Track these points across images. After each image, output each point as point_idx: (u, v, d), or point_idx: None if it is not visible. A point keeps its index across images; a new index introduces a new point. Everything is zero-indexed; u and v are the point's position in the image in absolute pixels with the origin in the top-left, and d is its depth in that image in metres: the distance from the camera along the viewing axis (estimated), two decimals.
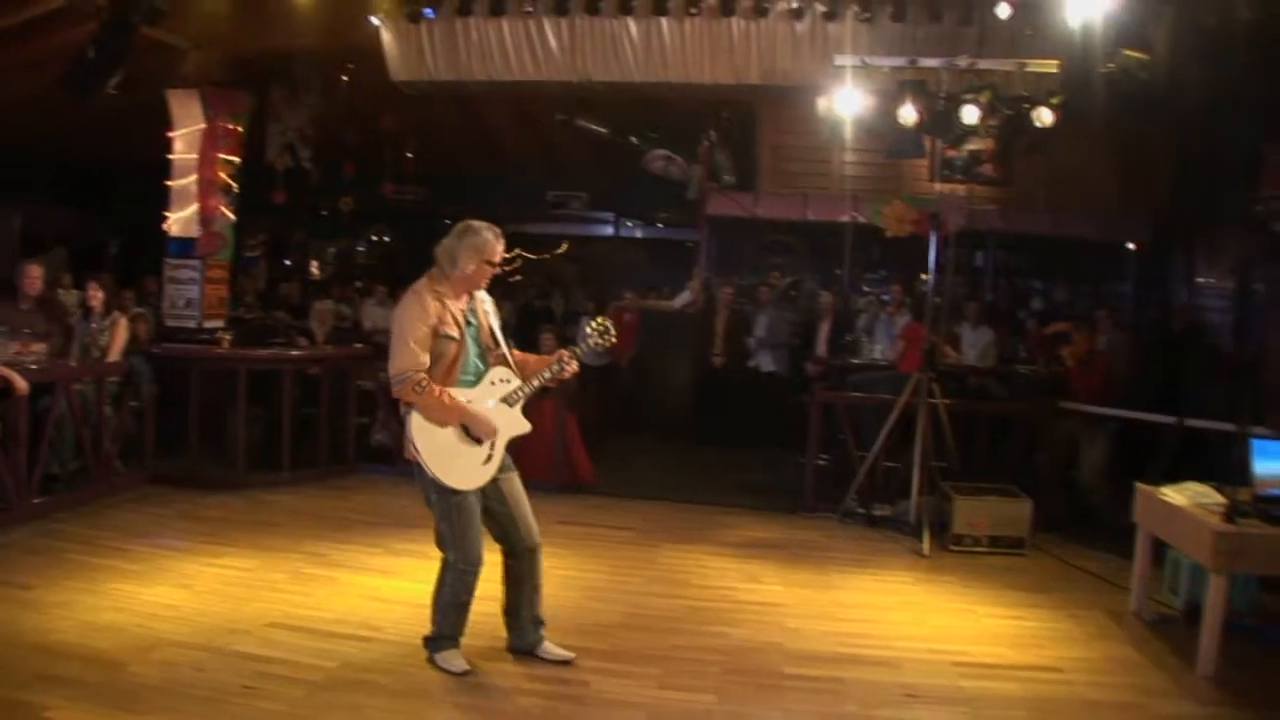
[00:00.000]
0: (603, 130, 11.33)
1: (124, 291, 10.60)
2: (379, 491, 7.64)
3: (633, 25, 7.59)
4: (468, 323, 4.26)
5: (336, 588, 5.39)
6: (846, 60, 7.06)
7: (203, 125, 9.24)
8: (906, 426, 7.21)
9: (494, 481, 4.29)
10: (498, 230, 4.27)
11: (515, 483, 4.42)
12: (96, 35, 8.05)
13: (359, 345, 9.07)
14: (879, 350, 9.43)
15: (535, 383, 4.38)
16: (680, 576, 5.92)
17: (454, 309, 4.18)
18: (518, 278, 15.86)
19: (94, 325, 7.25)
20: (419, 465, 4.16)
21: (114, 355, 7.20)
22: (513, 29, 7.72)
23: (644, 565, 6.12)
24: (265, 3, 8.72)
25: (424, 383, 4.10)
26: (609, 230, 15.42)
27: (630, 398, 10.89)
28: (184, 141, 9.35)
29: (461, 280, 4.22)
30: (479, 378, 4.29)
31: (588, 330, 4.56)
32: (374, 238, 15.64)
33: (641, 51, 7.62)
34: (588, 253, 16.06)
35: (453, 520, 4.22)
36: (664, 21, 7.56)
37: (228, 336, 8.34)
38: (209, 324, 9.51)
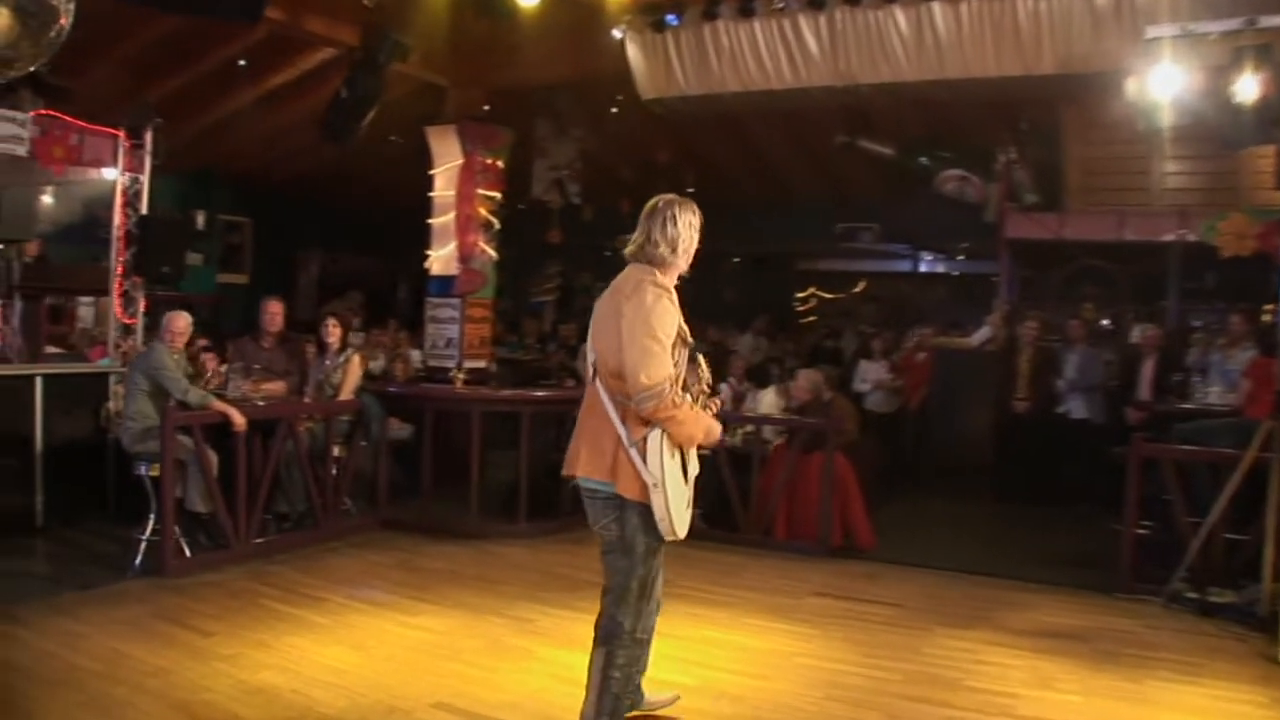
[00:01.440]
0: (888, 151, 10.18)
1: (401, 332, 10.79)
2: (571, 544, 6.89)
3: (900, 16, 6.48)
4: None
5: (528, 664, 4.63)
6: (1162, 30, 5.56)
7: (460, 161, 9.10)
8: (1254, 488, 5.53)
9: None
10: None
11: None
12: (348, 76, 8.10)
13: None
14: (1215, 393, 7.64)
15: None
16: (949, 674, 4.67)
17: (679, 318, 3.41)
18: (811, 318, 14.89)
19: (328, 363, 7.07)
20: (634, 506, 3.35)
21: (345, 394, 6.96)
22: (765, 31, 6.86)
23: (907, 656, 4.93)
24: (515, 35, 8.49)
25: (678, 397, 3.29)
26: (904, 265, 14.10)
27: (919, 446, 9.63)
28: (443, 178, 9.22)
29: (675, 272, 3.47)
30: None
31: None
32: None
33: (913, 46, 6.49)
34: (881, 289, 14.82)
35: (647, 578, 3.45)
36: (936, 8, 6.35)
37: (461, 376, 7.95)
38: (470, 364, 9.30)
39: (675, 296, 3.39)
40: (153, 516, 5.83)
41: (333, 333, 7.06)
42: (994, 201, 9.58)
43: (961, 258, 12.95)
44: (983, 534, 7.76)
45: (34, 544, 6.56)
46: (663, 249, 3.42)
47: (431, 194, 9.25)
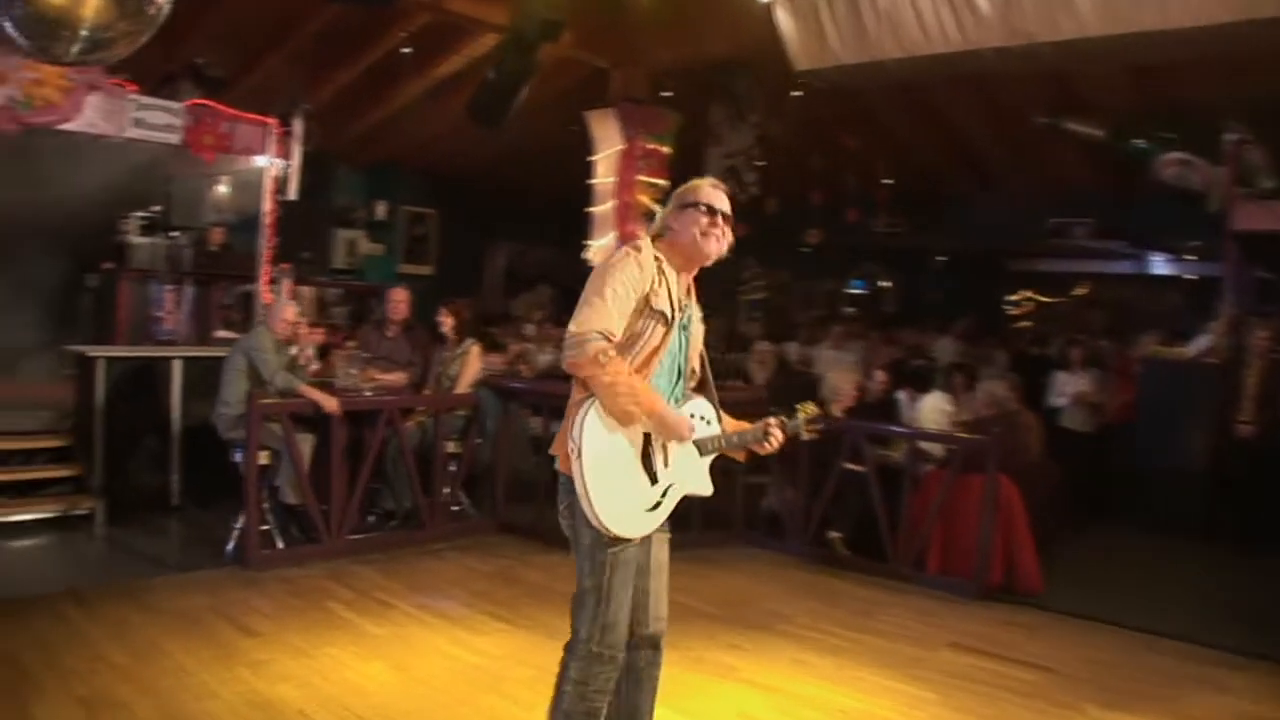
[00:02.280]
0: (1098, 133, 8.81)
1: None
2: (748, 572, 6.20)
3: None
4: (685, 316, 3.04)
5: None
6: None
7: (621, 146, 8.63)
8: None
9: (647, 539, 3.03)
10: (713, 181, 3.10)
11: (665, 549, 3.14)
12: (495, 58, 7.79)
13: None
14: None
15: (731, 441, 3.11)
16: None
17: (674, 283, 2.98)
18: (1025, 323, 13.45)
19: (446, 354, 6.75)
20: (573, 483, 2.85)
21: (462, 386, 6.61)
22: None
23: None
24: (678, 10, 7.92)
25: (609, 353, 2.79)
26: (1128, 266, 12.42)
27: (1114, 472, 8.25)
28: (604, 165, 8.79)
29: (683, 249, 3.01)
30: (674, 399, 3.04)
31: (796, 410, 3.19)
32: (865, 278, 14.18)
33: None
34: (1102, 293, 13.16)
35: (604, 580, 2.88)
36: None
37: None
38: None
39: (664, 268, 2.95)
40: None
41: (445, 322, 6.72)
42: (1219, 188, 8.04)
43: (1193, 258, 11.18)
44: (1180, 585, 6.45)
45: (163, 523, 6.65)
46: (660, 229, 3.09)
47: (592, 181, 8.88)
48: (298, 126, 7.77)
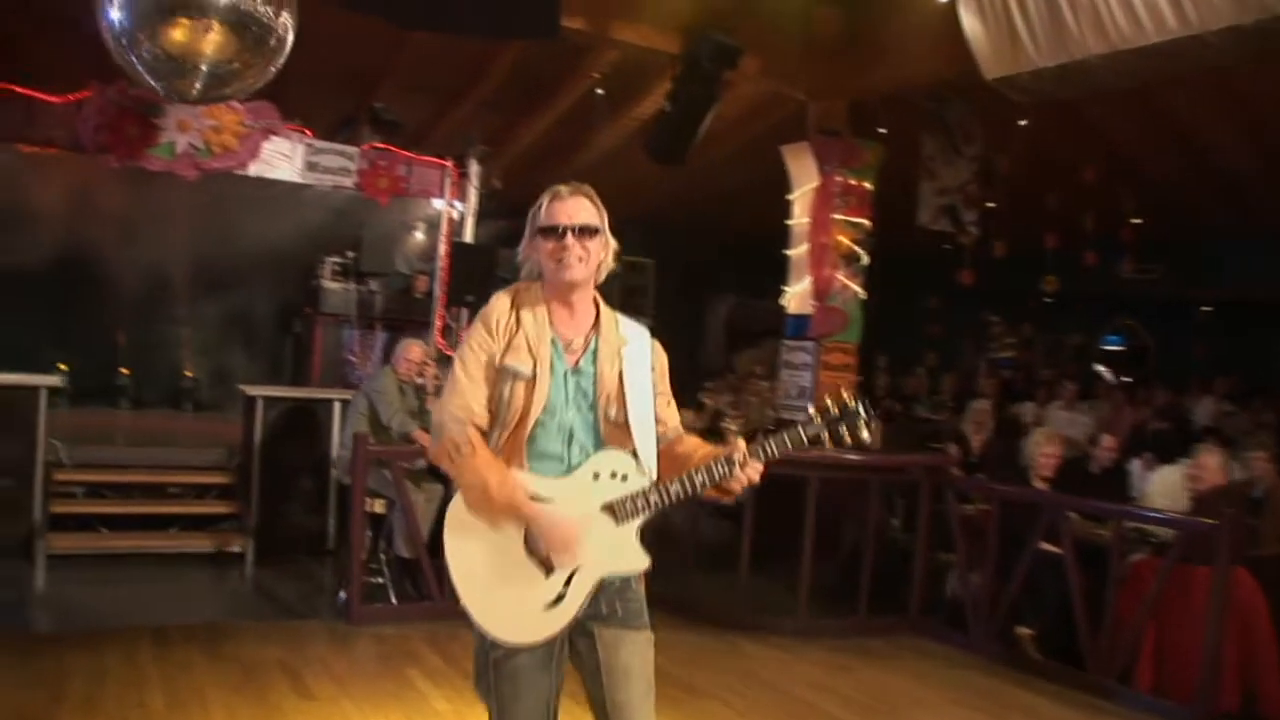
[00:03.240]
0: None
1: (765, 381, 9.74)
2: (910, 670, 5.27)
3: None
4: (567, 359, 2.52)
5: None
6: None
7: (816, 182, 7.90)
8: None
9: (577, 641, 2.46)
10: (561, 188, 2.63)
11: (626, 648, 2.46)
12: (671, 89, 7.30)
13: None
14: None
15: (676, 490, 2.44)
16: None
17: (536, 330, 2.51)
18: None
19: None
20: None
21: None
22: None
23: None
24: (878, 30, 7.19)
25: (470, 447, 2.43)
26: None
27: None
28: (800, 204, 8.08)
29: (549, 283, 2.55)
30: (573, 463, 2.48)
31: (810, 413, 2.50)
32: (1123, 332, 12.41)
33: None
34: None
35: (496, 692, 2.40)
36: None
37: (733, 427, 6.69)
38: None
39: (524, 314, 2.53)
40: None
41: None
42: None
43: None
44: None
45: (310, 567, 6.55)
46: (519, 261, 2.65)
47: (789, 222, 8.19)
48: (473, 168, 7.64)
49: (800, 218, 8.06)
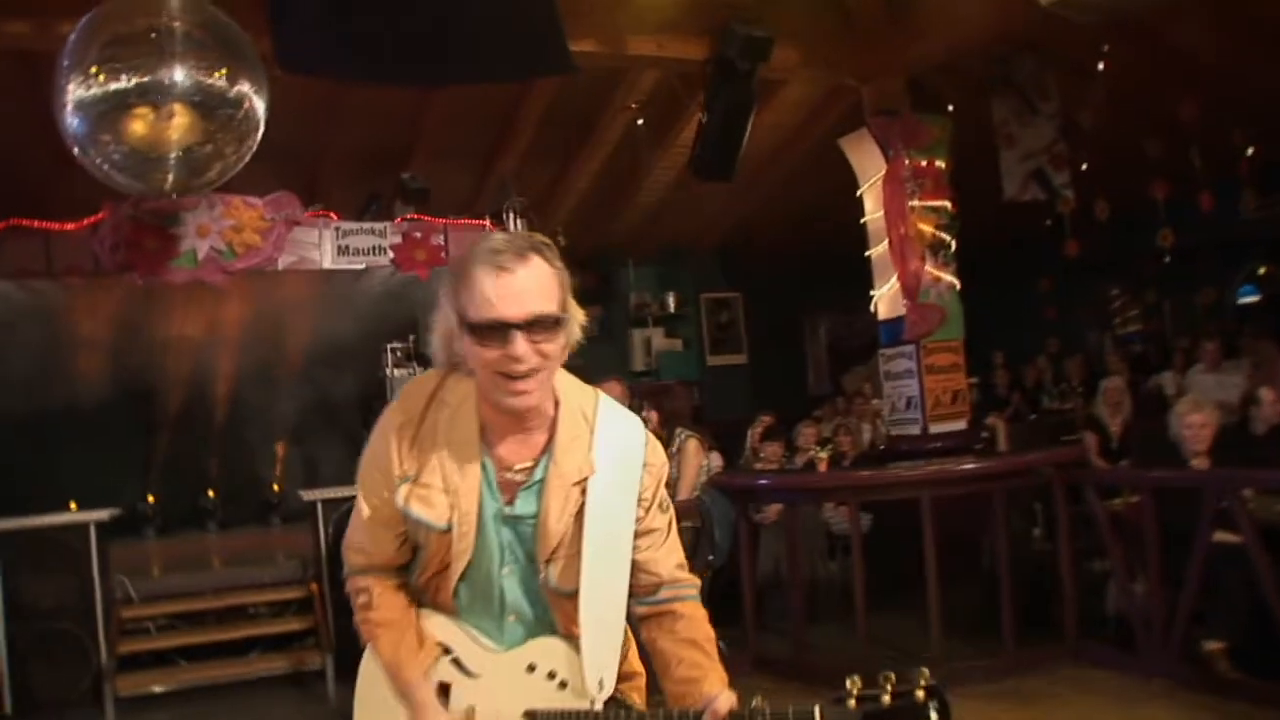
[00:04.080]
0: None
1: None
2: (1084, 707, 4.37)
3: None
4: (501, 495, 1.84)
5: None
6: None
7: (883, 169, 7.16)
8: None
9: None
10: (498, 246, 1.71)
11: None
12: (705, 97, 6.72)
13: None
14: None
15: None
16: None
17: (459, 456, 1.81)
18: None
19: None
20: None
21: (683, 492, 5.44)
22: None
23: None
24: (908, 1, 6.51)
25: (366, 597, 1.89)
26: None
27: None
28: (871, 197, 7.36)
29: (491, 401, 1.80)
30: (507, 635, 1.87)
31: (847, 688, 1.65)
32: (1258, 280, 11.02)
33: None
34: None
35: None
36: None
37: (823, 455, 5.93)
38: (939, 428, 7.16)
39: (448, 430, 1.82)
40: None
41: (650, 415, 5.60)
42: None
43: None
44: None
45: None
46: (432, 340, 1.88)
47: (864, 219, 7.47)
48: (515, 223, 7.19)
49: (874, 212, 7.34)
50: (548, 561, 1.80)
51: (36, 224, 6.07)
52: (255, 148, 4.76)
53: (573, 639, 1.80)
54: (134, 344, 7.91)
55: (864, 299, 10.50)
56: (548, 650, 1.83)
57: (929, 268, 7.13)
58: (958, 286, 7.19)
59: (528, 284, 1.66)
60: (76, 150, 4.57)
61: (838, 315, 12.19)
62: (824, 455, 6.48)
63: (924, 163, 7.10)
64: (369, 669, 1.91)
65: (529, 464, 1.82)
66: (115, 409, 8.34)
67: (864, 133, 7.19)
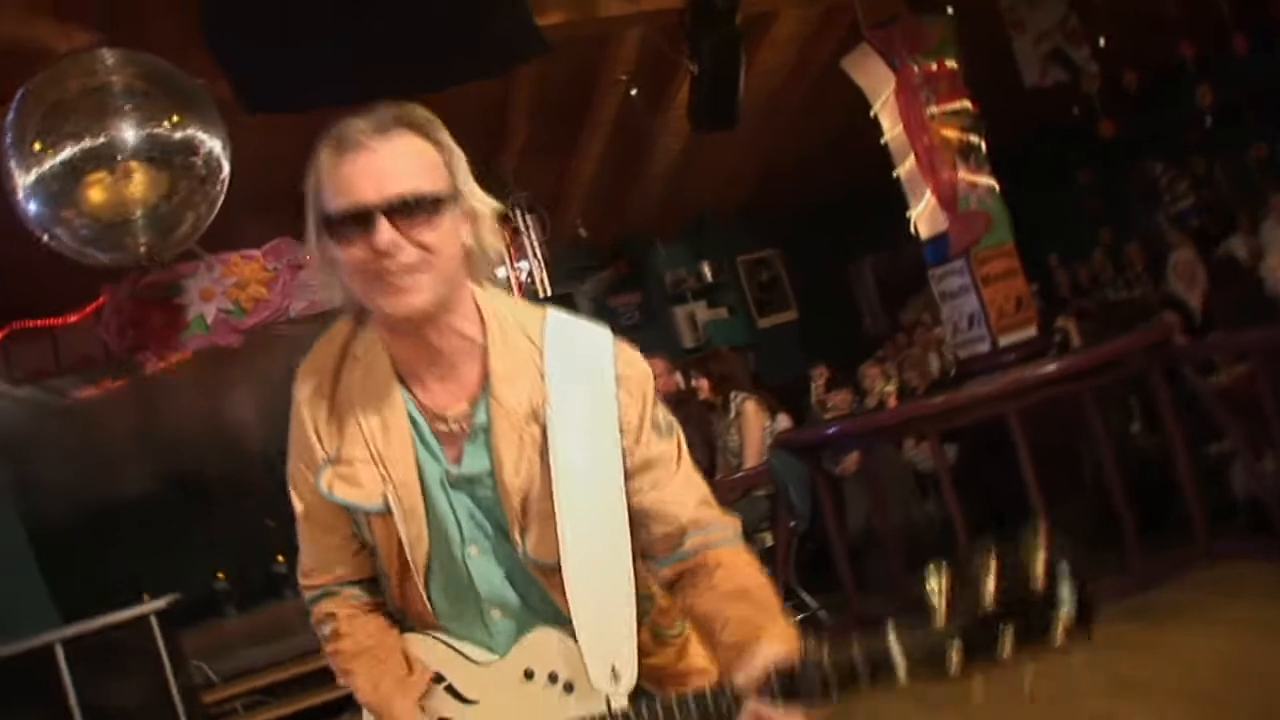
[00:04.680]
0: None
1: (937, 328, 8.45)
2: (1232, 620, 3.82)
3: None
4: (444, 454, 1.48)
5: None
6: None
7: (892, 82, 6.70)
8: None
9: None
10: (355, 124, 1.37)
11: None
12: (689, 46, 6.32)
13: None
14: None
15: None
16: None
17: (378, 413, 1.46)
18: None
19: (718, 424, 5.23)
20: None
21: (750, 459, 5.06)
22: None
23: None
24: None
25: (331, 626, 1.55)
26: None
27: None
28: (887, 114, 6.91)
29: (382, 320, 1.46)
30: (495, 635, 1.50)
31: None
32: None
33: None
34: None
35: None
36: None
37: (890, 389, 5.52)
38: (1009, 339, 6.70)
39: (377, 380, 1.48)
40: None
41: (701, 387, 5.23)
42: None
43: None
44: None
45: None
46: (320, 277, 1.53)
47: (884, 140, 7.02)
48: (524, 219, 6.88)
49: (892, 129, 6.90)
50: (522, 529, 1.43)
51: (39, 323, 5.91)
52: (224, 193, 4.50)
53: (567, 626, 1.43)
54: (170, 423, 7.76)
55: (905, 228, 10.01)
56: (541, 647, 1.45)
57: (962, 174, 6.68)
58: (997, 188, 6.73)
59: (391, 161, 1.35)
60: (44, 235, 4.36)
61: (881, 251, 11.66)
62: (891, 390, 6.06)
63: (934, 66, 6.63)
64: None
65: (465, 407, 1.45)
66: (165, 493, 8.20)
67: (865, 48, 6.75)
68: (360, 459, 1.43)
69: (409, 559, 1.45)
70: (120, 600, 5.95)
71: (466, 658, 1.48)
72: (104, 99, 4.10)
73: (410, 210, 1.33)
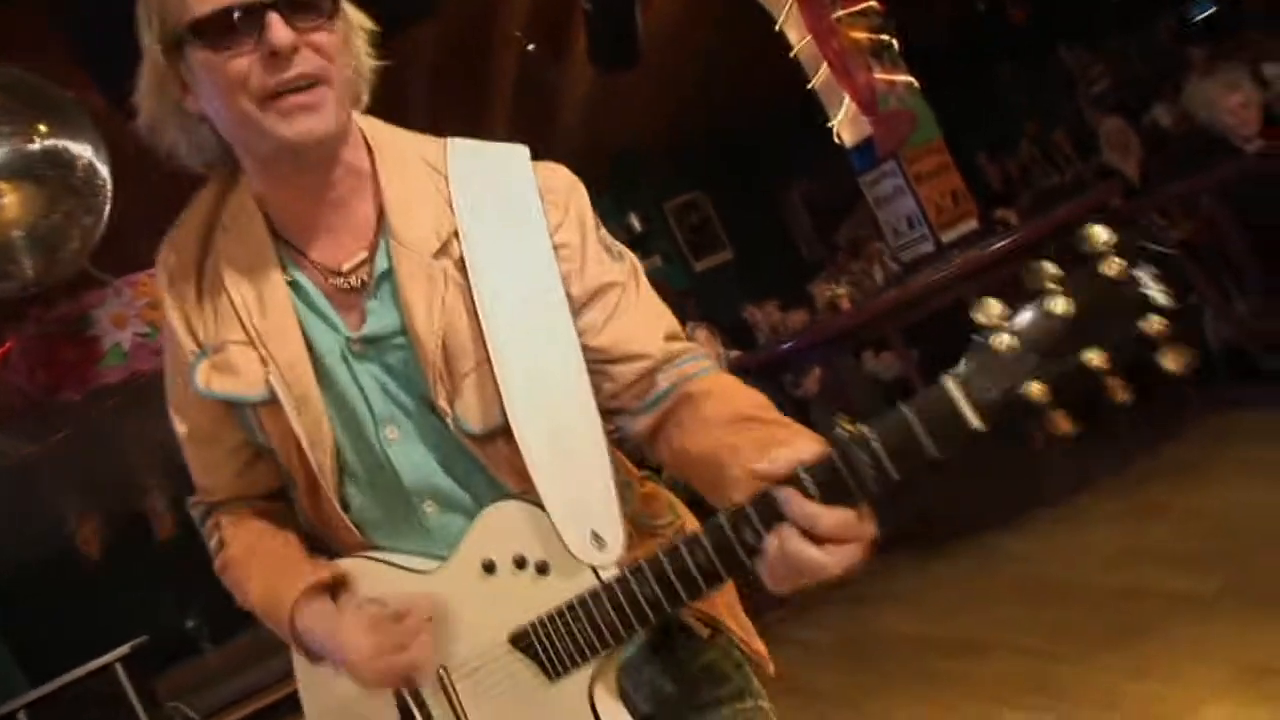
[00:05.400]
0: None
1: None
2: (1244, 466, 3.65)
3: None
4: (343, 320, 1.23)
5: None
6: None
7: None
8: None
9: None
10: None
11: None
12: None
13: None
14: None
15: (652, 588, 1.07)
16: None
17: (252, 279, 1.21)
18: None
19: None
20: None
21: None
22: None
23: None
24: None
25: (216, 537, 1.34)
26: None
27: None
28: (792, 28, 6.73)
29: (268, 163, 1.19)
30: (432, 534, 1.23)
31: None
32: None
33: None
34: None
35: None
36: None
37: (841, 292, 5.35)
38: (951, 235, 6.58)
39: (250, 240, 1.25)
40: None
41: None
42: None
43: None
44: None
45: None
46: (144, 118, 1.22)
47: (792, 54, 6.82)
48: None
49: (800, 41, 6.71)
50: (449, 395, 1.18)
51: None
52: (108, 203, 4.18)
53: (529, 496, 1.16)
54: (116, 466, 7.45)
55: (830, 147, 9.84)
56: (497, 529, 1.17)
57: (878, 74, 6.55)
58: (916, 85, 6.59)
59: None
60: None
61: (809, 175, 11.51)
62: (842, 292, 5.87)
63: None
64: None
65: (363, 255, 1.22)
66: (120, 538, 7.89)
67: None
68: (235, 341, 1.21)
69: (311, 461, 1.20)
70: (92, 654, 5.67)
71: (406, 569, 1.23)
72: None
73: (304, 7, 1.11)
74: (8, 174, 3.86)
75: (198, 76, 1.13)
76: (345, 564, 1.26)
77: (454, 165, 1.25)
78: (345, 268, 1.22)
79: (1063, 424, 0.90)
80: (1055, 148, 9.22)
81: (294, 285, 1.22)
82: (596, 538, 1.13)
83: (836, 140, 6.84)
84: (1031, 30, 8.35)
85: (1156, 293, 0.87)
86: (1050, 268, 0.89)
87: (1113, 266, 0.88)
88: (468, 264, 1.18)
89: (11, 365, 5.58)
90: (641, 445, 1.27)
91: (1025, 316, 0.92)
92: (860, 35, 6.48)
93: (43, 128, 3.98)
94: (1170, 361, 0.87)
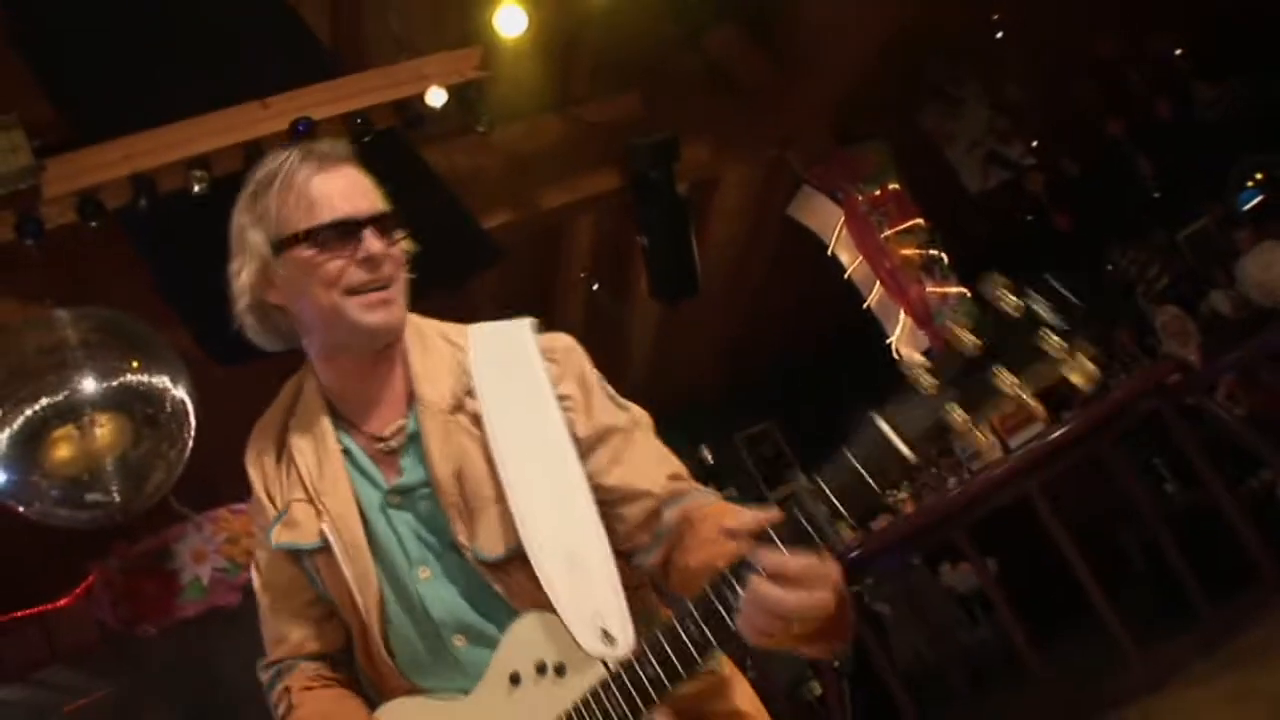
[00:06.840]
0: None
1: None
2: None
3: None
4: (382, 475, 1.43)
5: None
6: None
7: (840, 216, 6.83)
8: None
9: None
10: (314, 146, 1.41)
11: None
12: (638, 223, 6.38)
13: None
14: None
15: (652, 666, 1.18)
16: None
17: (314, 451, 1.43)
18: None
19: None
20: None
21: None
22: None
23: None
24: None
25: (285, 703, 1.41)
26: None
27: None
28: (843, 250, 7.00)
29: (329, 342, 1.44)
30: (463, 666, 1.35)
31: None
32: (1252, 180, 10.38)
33: None
34: None
35: None
36: None
37: (903, 496, 5.30)
38: (1016, 439, 6.51)
39: (313, 422, 1.47)
40: None
41: None
42: None
43: None
44: None
45: None
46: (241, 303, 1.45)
47: (846, 277, 7.06)
48: None
49: (852, 262, 6.97)
50: (469, 530, 1.33)
51: (28, 612, 5.70)
52: (192, 439, 4.41)
53: (543, 606, 1.30)
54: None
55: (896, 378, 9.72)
56: (519, 643, 1.30)
57: (930, 289, 6.71)
58: (969, 294, 6.74)
59: (364, 181, 1.41)
60: (18, 506, 4.24)
61: (885, 407, 11.52)
62: (904, 496, 5.80)
63: (877, 191, 6.81)
64: None
65: (400, 422, 1.40)
66: None
67: (806, 190, 6.95)
68: (298, 500, 1.40)
69: (360, 607, 1.33)
70: None
71: (443, 702, 1.33)
72: (62, 354, 4.08)
73: (387, 225, 1.38)
74: (103, 405, 4.11)
75: (292, 273, 1.36)
76: (384, 710, 1.37)
77: (472, 339, 1.48)
78: (386, 433, 1.42)
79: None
80: (1120, 347, 9.19)
81: (346, 452, 1.42)
82: (607, 635, 1.27)
83: (895, 356, 6.93)
84: (1078, 232, 8.53)
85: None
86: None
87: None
88: (481, 415, 1.37)
89: (95, 598, 5.73)
90: (656, 579, 1.41)
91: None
92: (910, 252, 6.71)
93: (135, 363, 4.27)
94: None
